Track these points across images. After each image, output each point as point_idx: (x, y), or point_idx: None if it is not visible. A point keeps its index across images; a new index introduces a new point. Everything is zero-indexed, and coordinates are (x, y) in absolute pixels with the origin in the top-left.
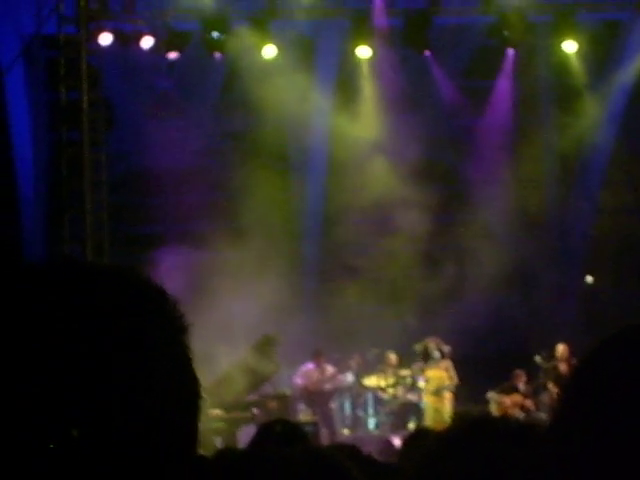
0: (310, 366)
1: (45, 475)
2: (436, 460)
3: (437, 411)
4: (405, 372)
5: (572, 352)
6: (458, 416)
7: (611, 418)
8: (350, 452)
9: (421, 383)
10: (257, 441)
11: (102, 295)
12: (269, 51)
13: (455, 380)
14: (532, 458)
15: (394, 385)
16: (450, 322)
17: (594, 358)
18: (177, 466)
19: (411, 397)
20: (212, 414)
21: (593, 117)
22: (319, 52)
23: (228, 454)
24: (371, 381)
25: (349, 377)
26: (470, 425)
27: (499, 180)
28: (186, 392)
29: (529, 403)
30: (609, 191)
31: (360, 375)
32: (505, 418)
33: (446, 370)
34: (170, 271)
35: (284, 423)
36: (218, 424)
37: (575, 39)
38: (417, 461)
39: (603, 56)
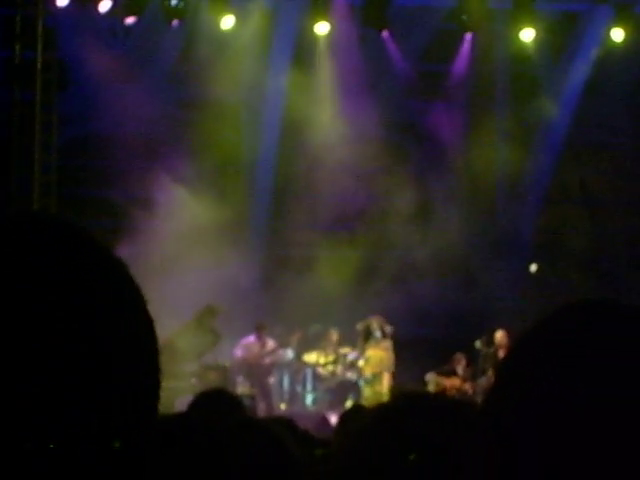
0: (251, 339)
1: (45, 475)
2: (371, 433)
3: (375, 390)
4: (345, 350)
5: (511, 338)
6: (395, 392)
7: (546, 391)
8: (286, 425)
9: (360, 362)
10: (194, 410)
11: (60, 254)
12: (227, 21)
13: (392, 360)
14: (466, 432)
15: (334, 362)
16: (396, 302)
17: (531, 334)
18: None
19: (350, 375)
20: None
21: (547, 105)
22: (277, 25)
23: (164, 420)
24: (311, 357)
25: (289, 353)
26: (405, 400)
27: (451, 164)
28: (151, 359)
29: (467, 386)
30: (558, 180)
31: (300, 351)
32: (440, 395)
33: (386, 350)
34: (119, 238)
35: (222, 393)
36: None
37: (533, 27)
38: (353, 434)
39: (560, 46)
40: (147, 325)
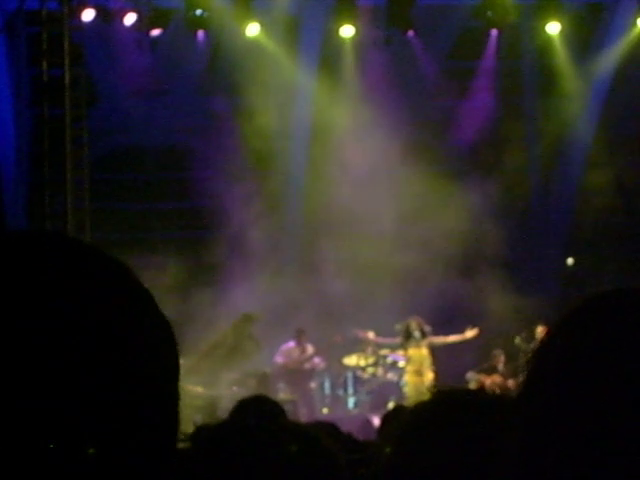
0: (291, 344)
1: (45, 475)
2: (412, 430)
3: (418, 390)
4: (385, 351)
5: None
6: (433, 390)
7: (575, 383)
8: (329, 429)
9: (402, 362)
10: (234, 416)
11: (92, 279)
12: (252, 29)
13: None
14: (503, 426)
15: (374, 364)
16: (431, 302)
17: (558, 327)
18: (163, 461)
19: (391, 376)
20: (193, 391)
21: (576, 99)
22: (303, 30)
23: (206, 428)
24: (351, 360)
25: (322, 364)
26: (445, 396)
27: (482, 162)
28: (169, 384)
29: (510, 383)
30: (591, 173)
31: (340, 354)
32: (480, 391)
33: (427, 349)
34: (153, 249)
35: (262, 399)
36: (198, 401)
37: (559, 21)
38: (395, 432)
39: (587, 38)
40: (155, 334)
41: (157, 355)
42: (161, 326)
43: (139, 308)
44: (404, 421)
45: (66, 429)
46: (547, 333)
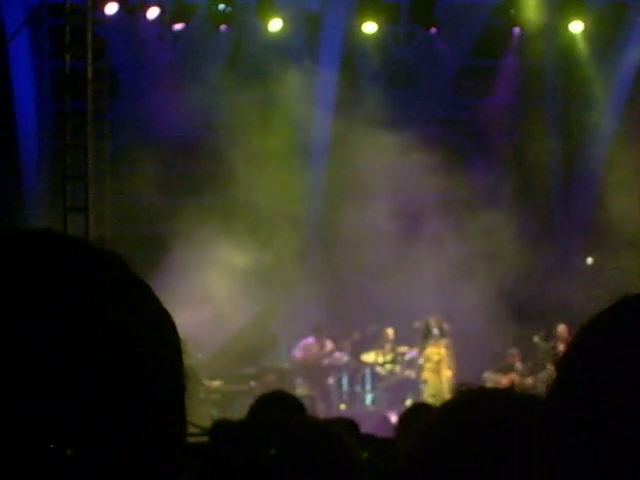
0: (310, 340)
1: (45, 475)
2: (440, 428)
3: (435, 388)
4: (403, 349)
5: (572, 332)
6: (459, 389)
7: (606, 386)
8: (347, 426)
9: (420, 360)
10: (254, 412)
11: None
12: (275, 25)
13: (451, 357)
14: (531, 426)
15: (392, 361)
16: (448, 300)
17: (590, 328)
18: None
19: (409, 373)
20: (211, 385)
21: (598, 97)
22: (325, 27)
23: (225, 423)
24: (369, 357)
25: (344, 358)
26: (475, 395)
27: (503, 159)
28: (174, 387)
29: (529, 381)
30: (611, 171)
31: (358, 351)
32: (505, 389)
33: (446, 347)
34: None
35: (283, 395)
36: (215, 396)
37: (581, 20)
38: (419, 431)
39: (609, 37)
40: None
41: (161, 350)
42: (162, 318)
43: (138, 303)
44: (432, 418)
45: (66, 429)
46: (577, 333)
